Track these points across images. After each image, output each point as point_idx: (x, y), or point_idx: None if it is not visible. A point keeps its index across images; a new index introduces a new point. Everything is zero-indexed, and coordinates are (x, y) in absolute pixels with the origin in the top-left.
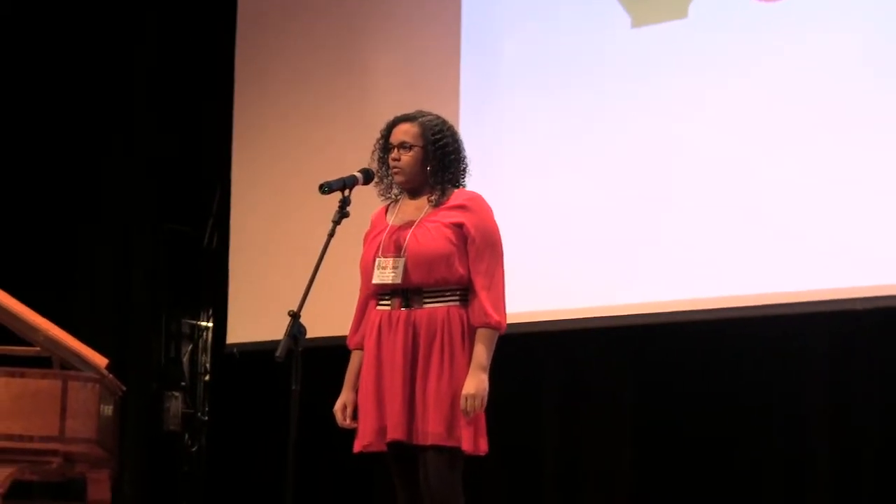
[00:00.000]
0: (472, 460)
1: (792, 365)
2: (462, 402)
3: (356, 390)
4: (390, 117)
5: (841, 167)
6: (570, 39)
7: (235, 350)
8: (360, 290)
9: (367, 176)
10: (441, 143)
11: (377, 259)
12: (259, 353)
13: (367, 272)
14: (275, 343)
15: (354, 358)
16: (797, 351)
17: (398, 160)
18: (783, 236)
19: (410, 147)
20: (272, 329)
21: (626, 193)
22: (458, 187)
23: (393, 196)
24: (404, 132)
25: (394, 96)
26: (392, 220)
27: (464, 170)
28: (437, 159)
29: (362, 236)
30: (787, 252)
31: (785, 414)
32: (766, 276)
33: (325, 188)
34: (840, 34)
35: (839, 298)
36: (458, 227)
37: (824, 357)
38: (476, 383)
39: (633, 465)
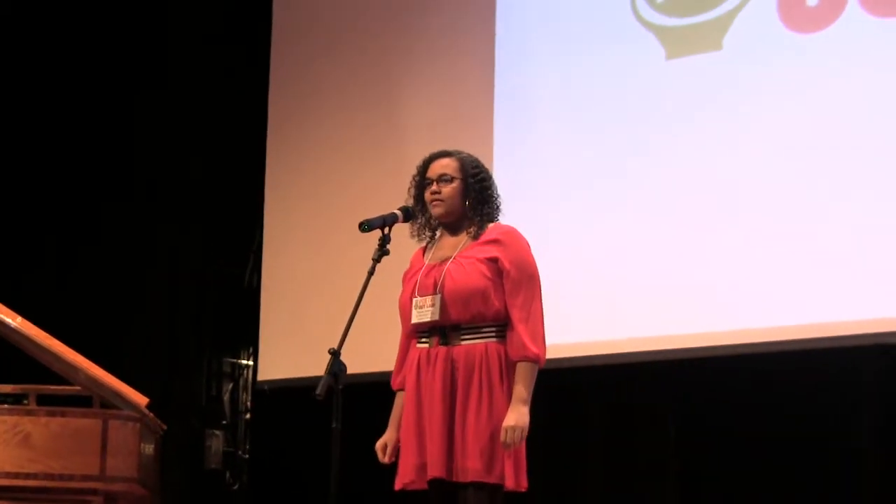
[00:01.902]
0: (514, 497)
1: (840, 399)
2: (502, 434)
3: (399, 430)
4: (424, 155)
5: (878, 199)
6: (604, 72)
7: (266, 387)
8: (402, 331)
9: (407, 214)
10: (479, 177)
11: (414, 299)
12: (294, 390)
13: (405, 313)
14: (308, 380)
15: (398, 399)
16: (845, 384)
17: (438, 192)
18: (828, 266)
19: (451, 179)
20: (306, 366)
21: (663, 225)
22: (492, 222)
23: (427, 236)
24: (444, 166)
25: (427, 134)
26: (428, 259)
27: (497, 207)
28: (476, 193)
29: (400, 273)
30: (834, 283)
31: (835, 449)
32: (812, 307)
33: (365, 226)
34: (876, 66)
35: (887, 332)
36: (493, 261)
37: (873, 390)
38: (516, 416)
39: (679, 501)
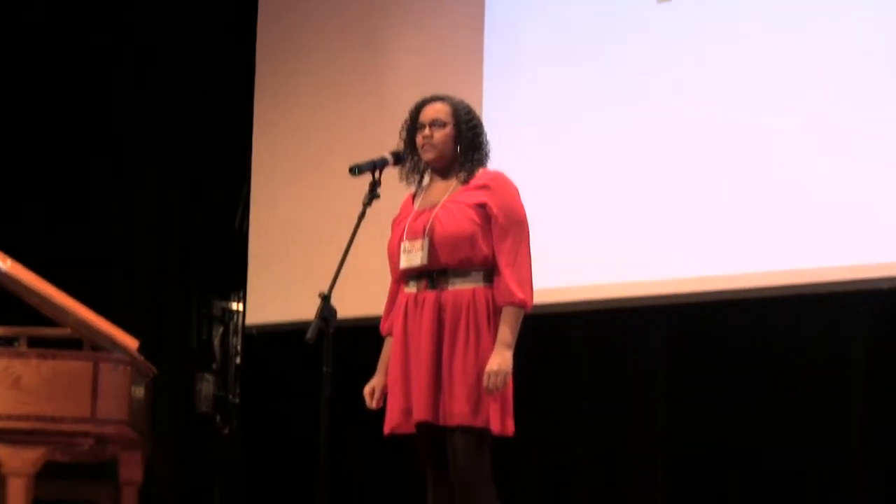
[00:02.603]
0: (502, 441)
1: (831, 343)
2: (485, 378)
3: (386, 375)
4: (413, 97)
5: (872, 143)
6: (595, 16)
7: (255, 331)
8: (391, 276)
9: (397, 158)
10: (471, 123)
11: (402, 244)
12: (284, 334)
13: (393, 258)
14: (298, 324)
15: (387, 344)
16: (835, 329)
17: (430, 137)
18: (820, 210)
19: (444, 124)
20: (296, 310)
21: (655, 169)
22: (482, 167)
23: (415, 180)
24: (437, 110)
25: (416, 75)
26: (418, 204)
27: (487, 154)
28: (468, 139)
29: (391, 217)
30: (825, 227)
31: (824, 392)
32: (805, 252)
33: (356, 170)
34: (866, 10)
35: (877, 277)
36: (481, 206)
37: (863, 335)
38: (500, 360)
39: (668, 445)
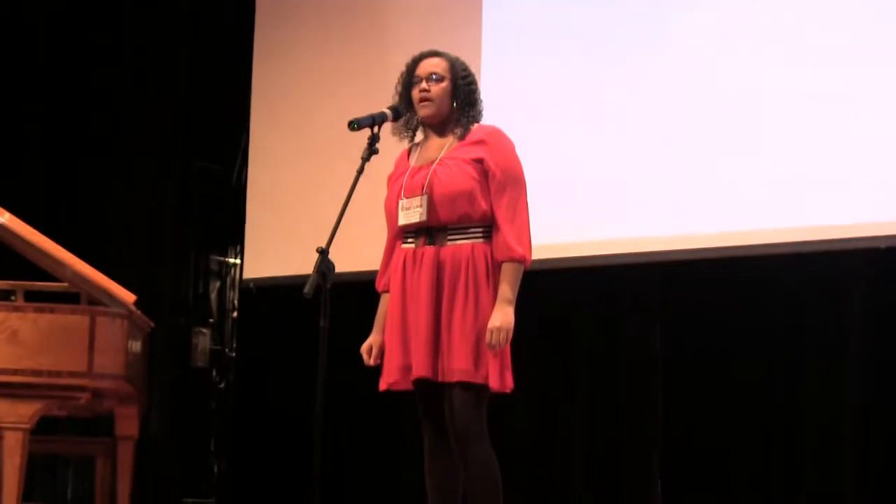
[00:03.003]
0: (499, 397)
1: (825, 302)
2: (487, 335)
3: (383, 332)
4: (412, 51)
5: (872, 102)
6: None
7: (252, 285)
8: (388, 233)
9: (396, 113)
10: (468, 79)
11: (400, 201)
12: (281, 288)
13: (391, 215)
14: (295, 278)
15: (383, 301)
16: (832, 288)
17: (428, 91)
18: (817, 169)
19: (441, 78)
20: (293, 264)
21: (659, 126)
22: (477, 123)
23: (407, 136)
24: (434, 65)
25: (415, 31)
26: (414, 160)
27: (481, 112)
28: (464, 94)
29: (389, 172)
30: (824, 186)
31: (818, 351)
32: (801, 211)
33: (355, 125)
34: None
35: (875, 235)
36: (479, 162)
37: (861, 294)
38: (502, 317)
39: (664, 401)
